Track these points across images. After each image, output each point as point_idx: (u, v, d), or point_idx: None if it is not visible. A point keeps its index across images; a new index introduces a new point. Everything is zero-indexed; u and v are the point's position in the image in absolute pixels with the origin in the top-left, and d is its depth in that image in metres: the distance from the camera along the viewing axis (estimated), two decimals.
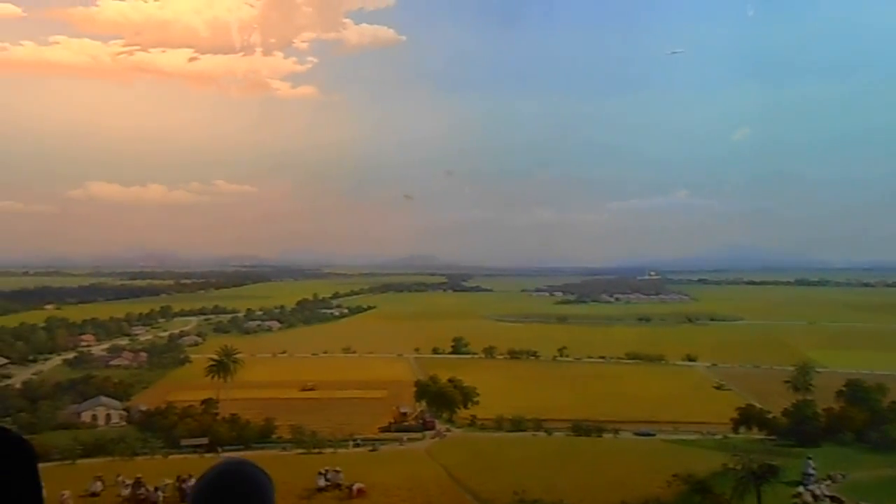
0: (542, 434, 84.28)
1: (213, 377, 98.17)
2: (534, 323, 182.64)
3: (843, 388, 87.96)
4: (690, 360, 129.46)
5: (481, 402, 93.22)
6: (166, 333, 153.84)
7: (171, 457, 71.90)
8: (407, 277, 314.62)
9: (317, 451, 73.32)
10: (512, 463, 65.99)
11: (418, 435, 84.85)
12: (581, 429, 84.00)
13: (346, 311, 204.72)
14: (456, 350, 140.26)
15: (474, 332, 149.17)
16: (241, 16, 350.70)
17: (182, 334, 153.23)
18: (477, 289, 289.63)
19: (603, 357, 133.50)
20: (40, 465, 2.32)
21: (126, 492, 52.31)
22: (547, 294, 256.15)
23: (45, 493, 2.35)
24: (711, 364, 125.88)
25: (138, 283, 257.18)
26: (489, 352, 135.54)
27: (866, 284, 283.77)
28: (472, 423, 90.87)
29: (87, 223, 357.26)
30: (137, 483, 53.28)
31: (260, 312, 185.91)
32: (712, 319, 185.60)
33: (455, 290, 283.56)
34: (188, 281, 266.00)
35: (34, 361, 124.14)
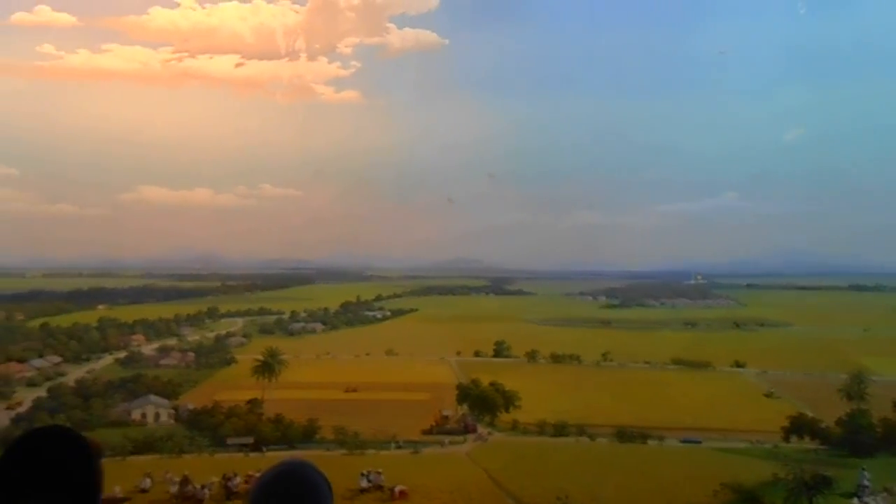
0: (585, 439, 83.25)
1: (258, 377, 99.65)
2: (577, 327, 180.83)
3: None
4: (738, 366, 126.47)
5: (523, 406, 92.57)
6: (213, 334, 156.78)
7: (217, 455, 73.05)
8: (449, 280, 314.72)
9: (359, 452, 73.68)
10: (554, 468, 65.26)
11: (460, 438, 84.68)
12: (625, 435, 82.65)
13: (388, 313, 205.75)
14: (498, 353, 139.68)
15: (516, 336, 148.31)
16: (286, 22, 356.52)
17: (228, 335, 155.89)
18: (519, 292, 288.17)
19: (648, 362, 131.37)
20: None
21: (174, 489, 53.29)
22: (590, 298, 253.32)
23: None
24: (761, 371, 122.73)
25: (186, 284, 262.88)
26: (531, 355, 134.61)
27: None
28: (514, 427, 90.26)
29: (138, 226, 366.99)
30: (185, 481, 54.22)
31: (304, 314, 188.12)
32: (761, 325, 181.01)
33: (497, 294, 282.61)
34: (234, 283, 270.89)
35: (87, 360, 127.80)
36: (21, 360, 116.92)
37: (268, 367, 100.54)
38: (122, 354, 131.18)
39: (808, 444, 79.98)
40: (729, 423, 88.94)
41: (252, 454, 72.77)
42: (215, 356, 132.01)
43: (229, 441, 78.46)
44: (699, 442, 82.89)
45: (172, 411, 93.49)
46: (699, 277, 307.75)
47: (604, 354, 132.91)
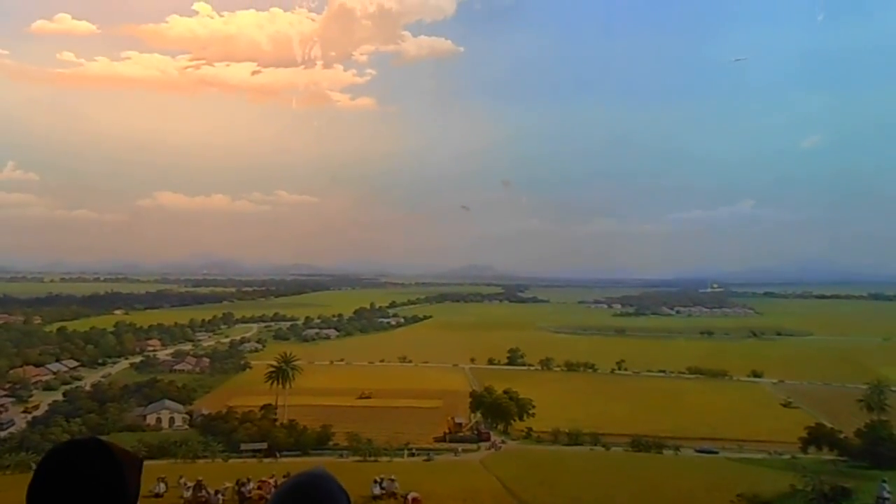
0: (599, 448, 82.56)
1: (272, 383, 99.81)
2: (591, 335, 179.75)
3: None
4: (756, 375, 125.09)
5: (537, 415, 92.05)
6: (228, 340, 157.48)
7: (231, 460, 73.15)
8: (463, 287, 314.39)
9: (372, 459, 73.50)
10: (569, 477, 64.75)
11: (473, 446, 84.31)
12: (640, 444, 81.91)
13: (402, 320, 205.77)
14: (512, 361, 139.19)
15: (530, 344, 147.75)
16: (303, 30, 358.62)
17: (243, 341, 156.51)
18: (533, 300, 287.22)
19: (663, 371, 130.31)
20: None
21: (187, 494, 53.34)
22: (605, 306, 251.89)
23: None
24: (778, 380, 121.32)
25: (202, 290, 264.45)
26: (545, 363, 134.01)
27: None
28: (528, 435, 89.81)
29: (155, 231, 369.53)
30: (198, 486, 54.28)
31: (318, 320, 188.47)
32: (779, 334, 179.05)
33: (511, 301, 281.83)
34: (249, 289, 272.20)
35: (103, 364, 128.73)
36: (38, 364, 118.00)
37: (282, 373, 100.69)
38: (137, 359, 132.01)
39: (826, 455, 78.75)
40: (746, 434, 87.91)
41: (266, 460, 72.81)
42: (230, 362, 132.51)
43: (243, 446, 78.59)
44: (716, 452, 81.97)
45: (187, 416, 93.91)
46: (715, 286, 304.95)
47: (618, 363, 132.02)
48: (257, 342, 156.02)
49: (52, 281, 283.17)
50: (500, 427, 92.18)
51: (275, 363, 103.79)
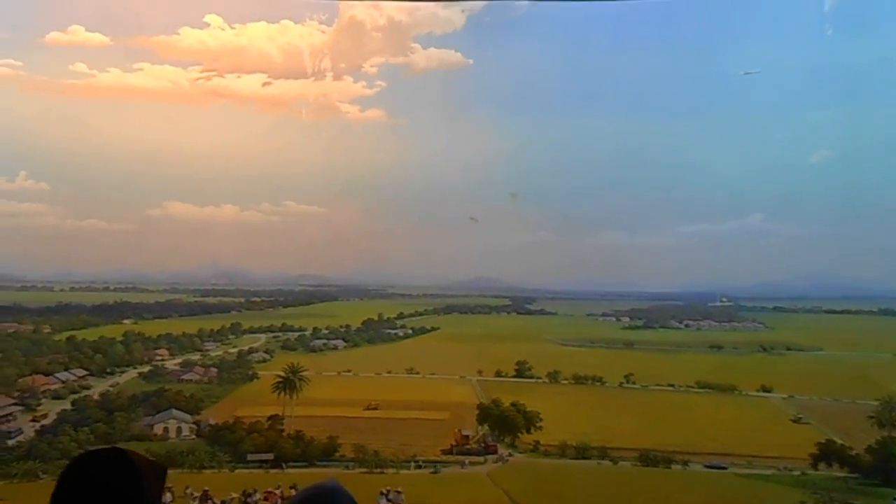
0: (607, 462, 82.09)
1: (279, 394, 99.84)
2: (599, 348, 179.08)
3: None
4: (765, 390, 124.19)
5: (545, 428, 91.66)
6: (236, 350, 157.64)
7: (237, 471, 73.15)
8: (471, 299, 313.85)
9: (379, 470, 73.32)
10: (576, 490, 64.41)
11: (480, 459, 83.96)
12: (648, 459, 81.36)
13: (410, 331, 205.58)
14: (519, 374, 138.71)
15: (538, 356, 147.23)
16: (313, 42, 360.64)
17: (251, 351, 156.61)
18: (541, 312, 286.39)
19: (672, 385, 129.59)
20: None
21: (194, 503, 53.33)
22: (613, 319, 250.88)
23: None
24: (788, 396, 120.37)
25: (210, 300, 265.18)
26: (553, 376, 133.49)
27: None
28: (535, 448, 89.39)
29: (164, 241, 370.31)
30: (205, 496, 54.22)
31: (326, 331, 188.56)
32: (789, 349, 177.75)
33: (519, 313, 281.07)
34: (258, 299, 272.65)
35: (112, 374, 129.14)
36: (47, 373, 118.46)
37: (289, 383, 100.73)
38: (145, 369, 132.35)
39: (837, 471, 78.02)
40: (755, 449, 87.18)
41: (272, 470, 72.73)
42: (237, 372, 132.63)
43: (250, 457, 78.59)
44: (725, 468, 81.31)
45: (194, 426, 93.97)
46: (724, 299, 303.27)
47: (627, 376, 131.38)
48: (265, 352, 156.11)
49: (61, 290, 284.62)
50: (508, 440, 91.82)
51: (282, 374, 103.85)
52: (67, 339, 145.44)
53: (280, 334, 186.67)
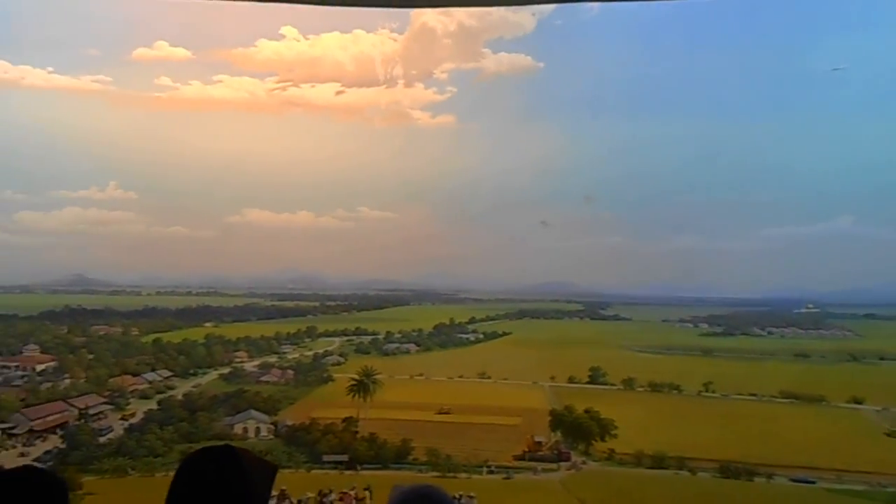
0: (685, 473, 79.54)
1: (353, 396, 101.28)
2: (676, 355, 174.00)
3: None
4: (856, 402, 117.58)
5: (619, 436, 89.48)
6: (311, 353, 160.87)
7: (313, 471, 74.56)
8: (543, 304, 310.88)
9: (451, 475, 73.33)
10: (653, 500, 62.66)
11: (553, 465, 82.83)
12: (729, 470, 78.36)
13: (481, 336, 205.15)
14: (593, 380, 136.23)
15: (612, 363, 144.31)
16: (385, 50, 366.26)
17: (326, 354, 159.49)
18: (615, 317, 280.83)
19: (754, 394, 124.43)
20: None
21: (272, 503, 54.56)
22: (691, 325, 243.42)
23: None
24: (882, 408, 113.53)
25: (287, 304, 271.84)
26: (628, 383, 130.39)
27: None
28: (610, 456, 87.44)
29: (243, 247, 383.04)
30: (282, 495, 55.47)
31: (399, 335, 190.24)
32: (882, 358, 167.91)
33: (592, 319, 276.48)
34: (332, 303, 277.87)
35: (194, 375, 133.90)
36: (135, 374, 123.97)
37: (363, 386, 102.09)
38: (226, 370, 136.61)
39: None
40: (846, 463, 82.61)
41: (347, 472, 73.86)
42: (313, 374, 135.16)
43: (325, 458, 79.95)
44: (813, 482, 77.40)
45: (272, 426, 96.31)
46: (810, 306, 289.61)
47: (705, 384, 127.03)
48: (339, 355, 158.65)
49: (148, 294, 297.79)
50: (581, 447, 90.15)
51: (356, 377, 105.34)
52: (154, 341, 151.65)
53: (354, 338, 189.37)
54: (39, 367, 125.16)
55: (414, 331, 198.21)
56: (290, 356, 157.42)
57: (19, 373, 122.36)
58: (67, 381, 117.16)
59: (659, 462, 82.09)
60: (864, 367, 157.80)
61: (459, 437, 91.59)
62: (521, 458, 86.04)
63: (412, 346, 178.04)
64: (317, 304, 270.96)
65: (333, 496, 53.15)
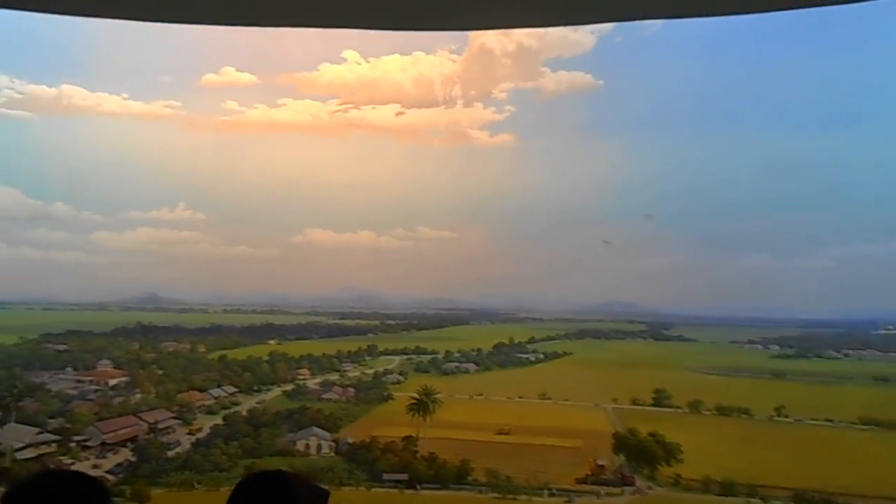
0: (756, 501, 76.43)
1: (413, 415, 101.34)
2: (745, 377, 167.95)
3: None
4: None
5: (686, 460, 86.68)
6: (372, 371, 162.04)
7: (373, 489, 74.77)
8: (604, 324, 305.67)
9: (511, 496, 72.45)
10: None
11: (617, 490, 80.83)
12: (805, 499, 75.02)
13: (541, 356, 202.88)
14: (657, 402, 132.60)
15: (677, 385, 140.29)
16: (444, 71, 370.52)
17: (386, 372, 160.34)
18: (680, 338, 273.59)
19: (830, 420, 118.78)
20: None
21: None
22: (760, 346, 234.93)
23: None
24: None
25: (348, 322, 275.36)
26: (694, 406, 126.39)
27: None
28: (676, 482, 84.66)
29: (305, 266, 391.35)
30: None
31: (458, 354, 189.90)
32: None
33: (656, 339, 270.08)
34: (392, 322, 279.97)
35: (258, 391, 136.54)
36: (202, 389, 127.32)
37: (422, 405, 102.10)
38: (289, 387, 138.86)
39: None
40: None
41: (407, 491, 73.75)
42: (373, 392, 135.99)
43: (385, 476, 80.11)
44: None
45: (333, 444, 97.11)
46: (890, 328, 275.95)
47: (777, 409, 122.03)
48: (399, 374, 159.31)
49: (215, 312, 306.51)
50: (646, 472, 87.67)
51: (416, 395, 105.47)
52: (220, 357, 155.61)
53: (413, 356, 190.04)
54: (112, 382, 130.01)
55: (473, 350, 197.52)
56: (350, 374, 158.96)
57: (93, 387, 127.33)
58: (138, 395, 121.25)
59: (728, 489, 79.14)
60: None
61: (519, 458, 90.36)
62: (583, 481, 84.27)
63: (471, 366, 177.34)
64: (377, 322, 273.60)
65: None
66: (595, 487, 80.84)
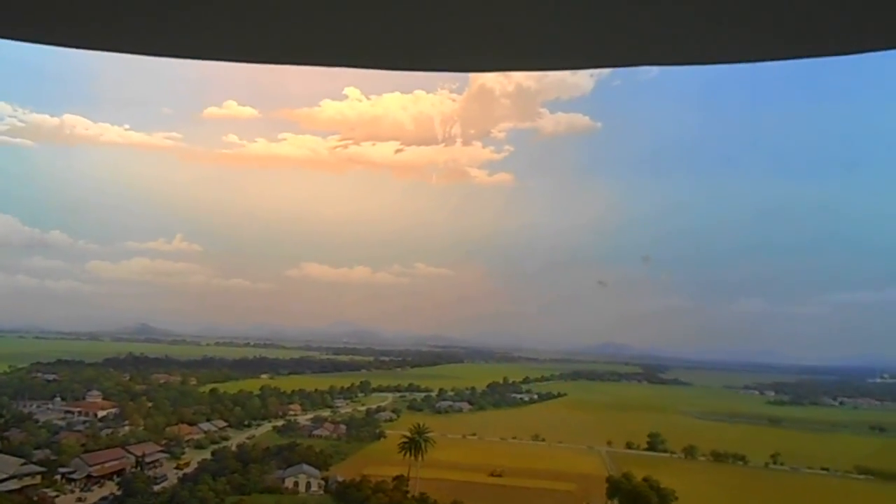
0: None
1: (405, 454, 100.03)
2: (741, 423, 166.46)
3: None
4: None
5: None
6: (364, 408, 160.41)
7: None
8: (599, 365, 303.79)
9: None
10: None
11: None
12: None
13: (535, 396, 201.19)
14: (652, 447, 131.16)
15: (672, 429, 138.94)
16: (444, 110, 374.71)
17: (378, 409, 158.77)
18: (675, 381, 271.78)
19: (826, 469, 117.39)
20: None
21: None
22: (756, 392, 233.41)
23: None
24: None
25: (341, 358, 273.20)
26: (689, 452, 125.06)
27: None
28: None
29: (300, 300, 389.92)
30: None
31: (452, 393, 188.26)
32: None
33: (651, 382, 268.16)
34: (386, 358, 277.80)
35: (248, 426, 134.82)
36: (191, 423, 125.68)
37: (415, 444, 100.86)
38: (279, 423, 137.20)
39: None
40: None
41: None
42: (365, 430, 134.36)
43: None
44: None
45: (322, 482, 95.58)
46: (886, 376, 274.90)
47: (773, 456, 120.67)
48: (392, 411, 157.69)
49: (207, 344, 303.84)
50: None
51: (408, 434, 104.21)
52: (210, 391, 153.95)
53: (407, 394, 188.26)
54: (101, 414, 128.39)
55: (467, 389, 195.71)
56: (342, 410, 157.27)
57: (82, 418, 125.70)
58: (127, 427, 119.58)
59: None
60: None
61: (511, 500, 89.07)
62: None
63: (465, 405, 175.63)
64: (371, 359, 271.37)
65: None
66: None
